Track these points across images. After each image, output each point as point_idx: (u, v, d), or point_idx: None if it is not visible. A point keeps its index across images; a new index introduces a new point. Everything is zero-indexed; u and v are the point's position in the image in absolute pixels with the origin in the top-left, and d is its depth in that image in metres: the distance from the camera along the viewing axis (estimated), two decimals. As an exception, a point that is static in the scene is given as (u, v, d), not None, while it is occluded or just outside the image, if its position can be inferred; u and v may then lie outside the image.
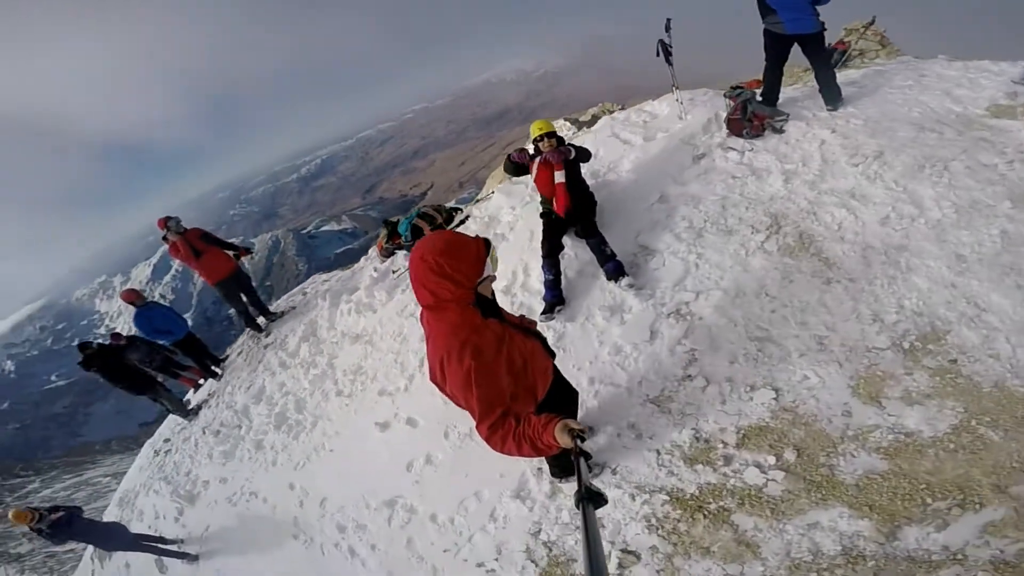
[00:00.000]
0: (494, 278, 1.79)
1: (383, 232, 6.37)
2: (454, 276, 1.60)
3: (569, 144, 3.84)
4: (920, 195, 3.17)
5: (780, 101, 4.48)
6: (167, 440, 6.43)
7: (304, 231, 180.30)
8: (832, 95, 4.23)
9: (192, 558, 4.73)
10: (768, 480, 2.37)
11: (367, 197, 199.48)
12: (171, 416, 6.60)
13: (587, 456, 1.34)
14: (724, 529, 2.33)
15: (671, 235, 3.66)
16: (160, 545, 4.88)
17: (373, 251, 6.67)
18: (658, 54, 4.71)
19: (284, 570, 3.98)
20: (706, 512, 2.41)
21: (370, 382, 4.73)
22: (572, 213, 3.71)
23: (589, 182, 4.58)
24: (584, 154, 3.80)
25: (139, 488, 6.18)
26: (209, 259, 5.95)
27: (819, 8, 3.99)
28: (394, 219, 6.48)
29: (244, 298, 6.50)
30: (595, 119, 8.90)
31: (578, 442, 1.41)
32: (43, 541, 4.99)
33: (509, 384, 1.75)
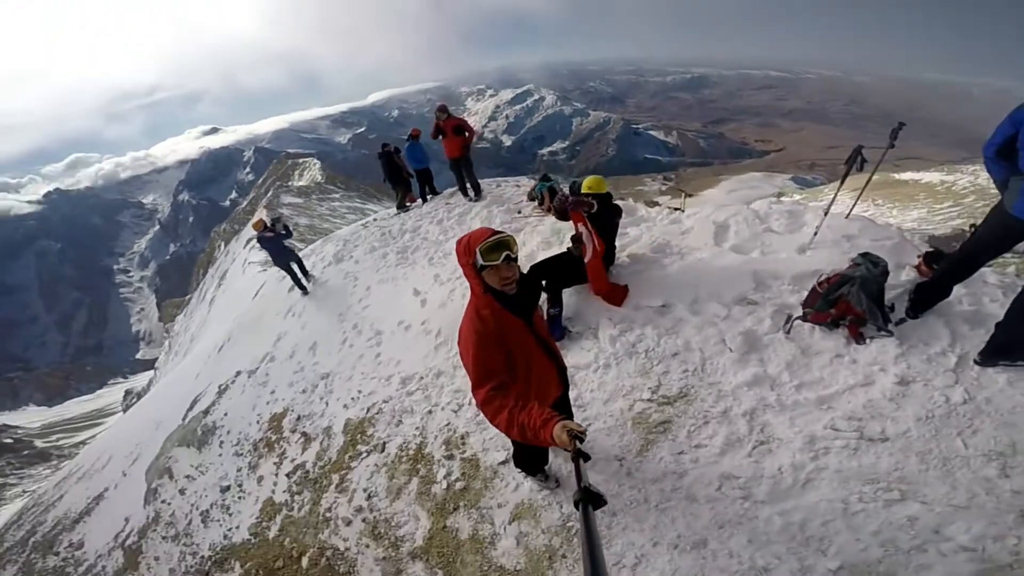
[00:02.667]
0: (503, 273, 1.82)
1: (538, 182, 7.44)
2: (456, 252, 1.90)
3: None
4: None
5: (959, 305, 3.09)
6: (374, 219, 10.12)
7: (634, 126, 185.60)
8: (1013, 342, 2.62)
9: (305, 293, 8.08)
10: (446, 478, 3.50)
11: (708, 127, 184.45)
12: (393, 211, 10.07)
13: (586, 457, 1.32)
14: (413, 480, 3.60)
15: (615, 337, 3.70)
16: (298, 274, 8.18)
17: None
18: (848, 161, 3.69)
19: (314, 326, 6.81)
20: (416, 469, 3.76)
21: (441, 267, 6.54)
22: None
23: (647, 250, 4.56)
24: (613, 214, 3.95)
25: (336, 238, 10.21)
26: (451, 141, 8.22)
27: None
28: (550, 178, 7.43)
29: (464, 174, 8.68)
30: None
31: (576, 443, 1.38)
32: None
33: (507, 372, 1.84)
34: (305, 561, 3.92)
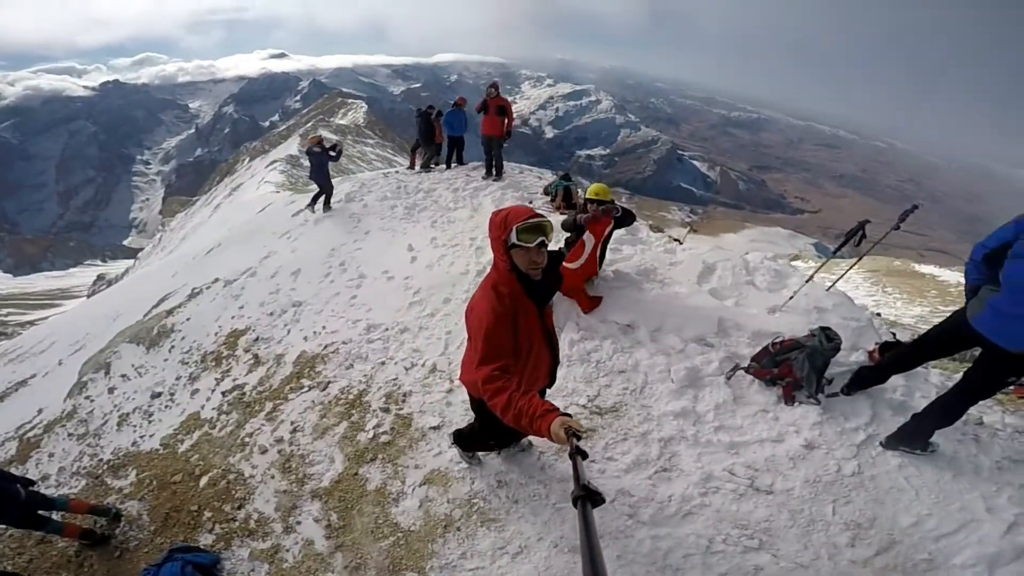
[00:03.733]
0: (534, 257, 1.80)
1: (558, 179, 7.54)
2: (488, 227, 1.89)
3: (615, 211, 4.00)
4: None
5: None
6: (395, 171, 10.41)
7: (680, 151, 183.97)
8: (917, 432, 2.77)
9: (312, 211, 8.55)
10: (375, 428, 3.50)
11: (753, 171, 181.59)
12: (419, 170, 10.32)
13: (584, 455, 1.28)
14: (343, 424, 3.76)
15: (575, 342, 3.90)
16: (319, 198, 8.61)
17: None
18: (848, 233, 3.78)
19: (303, 252, 7.03)
20: (349, 414, 3.86)
21: (441, 232, 6.73)
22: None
23: (633, 271, 4.68)
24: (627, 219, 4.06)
25: (355, 180, 10.40)
26: (490, 119, 8.39)
27: None
28: (571, 179, 7.50)
29: (492, 153, 8.78)
30: None
31: (574, 440, 1.34)
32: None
33: (513, 355, 1.84)
34: (204, 480, 3.79)
